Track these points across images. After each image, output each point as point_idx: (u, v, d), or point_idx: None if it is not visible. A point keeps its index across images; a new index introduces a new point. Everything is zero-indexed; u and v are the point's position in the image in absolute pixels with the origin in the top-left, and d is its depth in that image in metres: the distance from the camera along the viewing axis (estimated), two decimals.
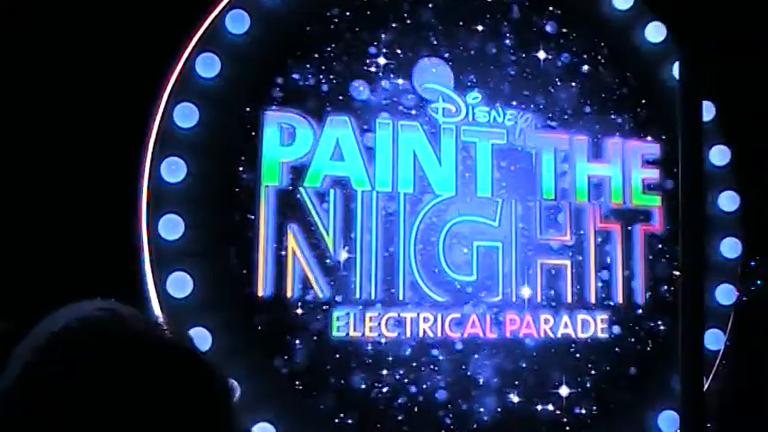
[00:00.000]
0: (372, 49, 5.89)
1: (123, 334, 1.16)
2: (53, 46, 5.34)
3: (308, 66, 5.68)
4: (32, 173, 5.27)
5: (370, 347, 5.69)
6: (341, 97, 5.77)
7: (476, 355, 5.95)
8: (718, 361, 6.69)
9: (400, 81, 5.95)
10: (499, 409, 5.94)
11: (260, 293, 5.43)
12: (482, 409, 5.91)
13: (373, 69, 5.87)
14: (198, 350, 1.25)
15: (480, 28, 6.19)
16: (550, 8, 6.37)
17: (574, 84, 6.39)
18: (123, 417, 1.06)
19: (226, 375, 1.24)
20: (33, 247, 5.13)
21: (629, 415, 6.30)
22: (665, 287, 6.56)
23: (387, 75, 5.91)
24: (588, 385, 6.20)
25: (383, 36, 5.92)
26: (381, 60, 5.90)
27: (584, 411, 6.14)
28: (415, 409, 5.74)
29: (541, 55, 6.32)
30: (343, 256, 5.67)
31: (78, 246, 5.05)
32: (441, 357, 5.85)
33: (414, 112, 5.97)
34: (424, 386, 5.78)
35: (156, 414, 1.09)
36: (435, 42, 6.07)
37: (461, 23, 6.15)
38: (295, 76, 5.66)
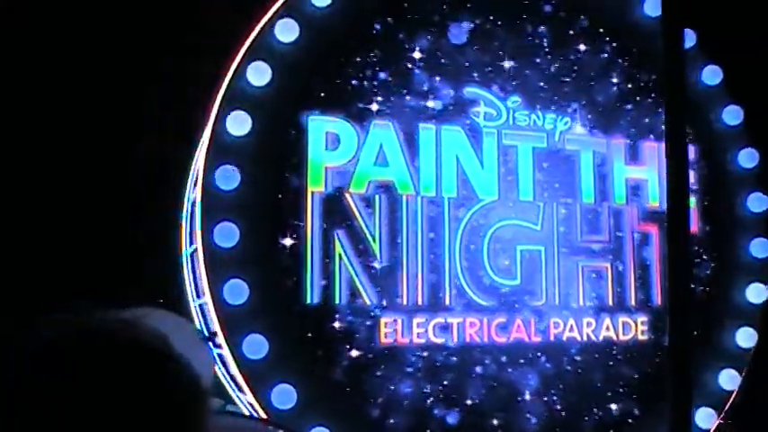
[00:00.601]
0: (415, 54, 5.91)
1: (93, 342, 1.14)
2: (107, 51, 5.35)
3: (351, 71, 5.69)
4: (88, 181, 5.28)
5: (417, 353, 5.70)
6: (384, 102, 5.79)
7: (521, 360, 5.98)
8: (750, 359, 6.76)
9: (443, 85, 5.96)
10: (545, 414, 5.97)
11: (309, 300, 5.43)
12: (528, 414, 5.93)
13: (416, 74, 5.89)
14: (168, 355, 1.20)
15: (520, 32, 6.22)
16: (585, 12, 6.41)
17: (611, 87, 6.43)
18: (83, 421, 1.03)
19: (194, 379, 1.21)
20: (92, 253, 5.13)
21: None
22: (702, 288, 6.61)
23: (429, 79, 5.92)
24: (629, 387, 6.24)
25: (425, 41, 5.94)
26: (423, 65, 5.92)
27: (626, 413, 6.18)
28: (464, 415, 5.76)
29: (579, 58, 6.35)
30: (388, 261, 5.69)
31: (133, 252, 5.05)
32: (487, 362, 5.88)
33: (455, 116, 5.99)
34: (472, 391, 5.80)
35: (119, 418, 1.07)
36: (477, 48, 6.09)
37: (501, 26, 6.18)
38: (339, 81, 5.67)
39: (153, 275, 6.85)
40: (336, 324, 5.50)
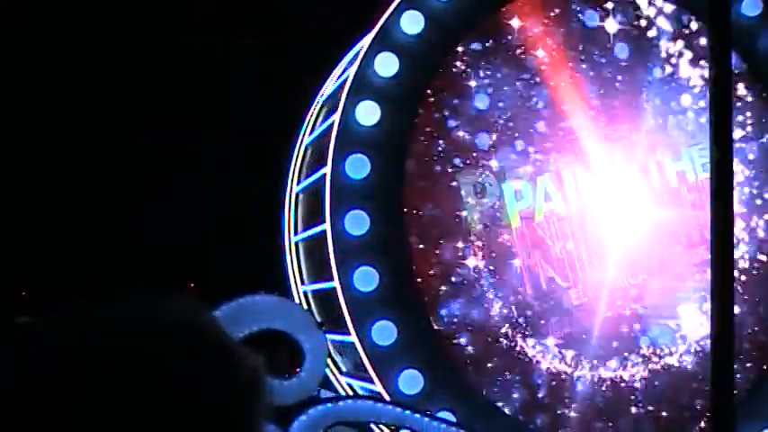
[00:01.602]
0: (534, 42, 5.93)
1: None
2: (212, 38, 5.46)
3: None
4: (195, 172, 5.41)
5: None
6: (504, 87, 5.81)
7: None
8: None
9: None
10: None
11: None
12: None
13: (535, 64, 5.92)
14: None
15: None
16: None
17: None
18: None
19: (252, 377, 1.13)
20: (199, 243, 5.27)
21: None
22: None
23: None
24: None
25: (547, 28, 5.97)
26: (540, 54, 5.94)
27: None
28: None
29: None
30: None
31: (237, 242, 5.18)
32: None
33: None
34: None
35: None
36: None
37: None
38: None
39: (258, 263, 6.99)
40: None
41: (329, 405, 4.85)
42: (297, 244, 6.64)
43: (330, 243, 5.27)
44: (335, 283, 5.29)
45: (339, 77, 6.14)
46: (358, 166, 5.27)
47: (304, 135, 6.80)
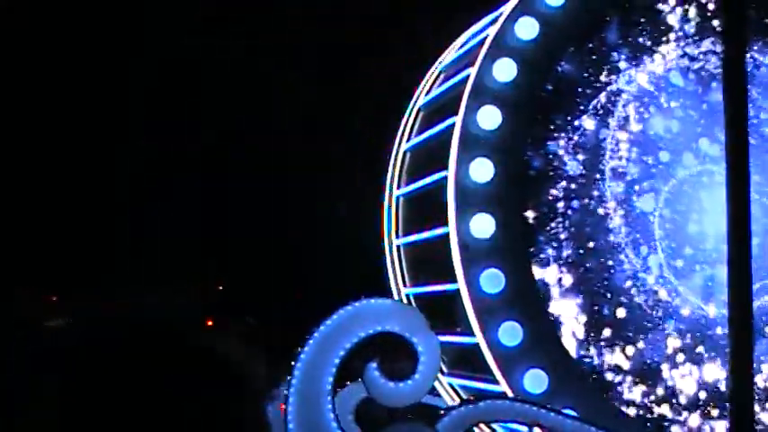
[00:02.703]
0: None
1: None
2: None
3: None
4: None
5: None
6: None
7: None
8: None
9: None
10: None
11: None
12: None
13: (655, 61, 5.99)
14: None
15: None
16: None
17: None
18: None
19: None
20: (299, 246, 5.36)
21: None
22: None
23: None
24: None
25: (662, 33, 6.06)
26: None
27: None
28: None
29: None
30: None
31: (341, 246, 5.26)
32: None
33: None
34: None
35: None
36: None
37: None
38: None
39: (360, 266, 7.07)
40: None
41: (470, 406, 4.94)
42: (398, 247, 6.74)
43: (455, 246, 5.36)
44: (461, 285, 5.37)
45: (450, 78, 6.26)
46: (482, 170, 5.35)
47: (401, 142, 6.90)
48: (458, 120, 5.44)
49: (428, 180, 5.91)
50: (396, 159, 6.86)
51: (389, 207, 6.81)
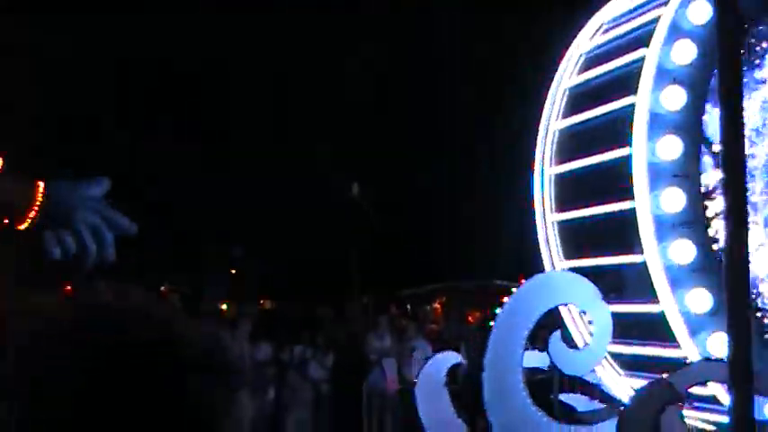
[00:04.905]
0: None
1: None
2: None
3: None
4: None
5: None
6: None
7: None
8: None
9: None
10: None
11: None
12: None
13: None
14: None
15: None
16: None
17: None
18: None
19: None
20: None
21: None
22: None
23: None
24: None
25: None
26: None
27: None
28: None
29: None
30: None
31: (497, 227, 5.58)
32: None
33: None
34: None
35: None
36: None
37: None
38: None
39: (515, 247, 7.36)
40: None
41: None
42: (553, 224, 7.04)
43: (644, 220, 5.65)
44: (649, 257, 5.66)
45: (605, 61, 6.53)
46: (670, 148, 5.64)
47: (549, 120, 7.18)
48: (640, 100, 5.72)
49: (606, 157, 6.14)
50: (545, 139, 7.15)
51: (542, 184, 7.10)
